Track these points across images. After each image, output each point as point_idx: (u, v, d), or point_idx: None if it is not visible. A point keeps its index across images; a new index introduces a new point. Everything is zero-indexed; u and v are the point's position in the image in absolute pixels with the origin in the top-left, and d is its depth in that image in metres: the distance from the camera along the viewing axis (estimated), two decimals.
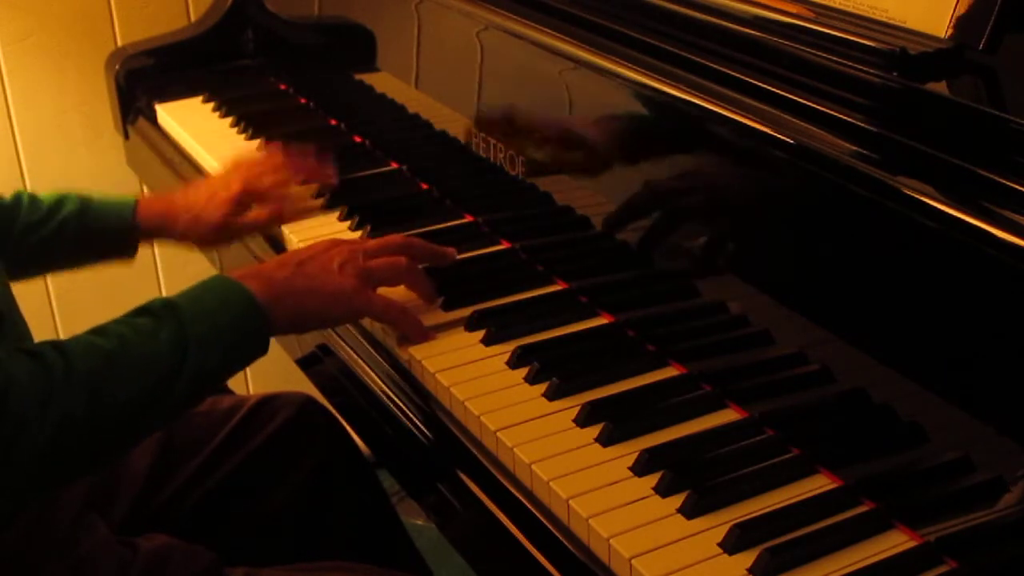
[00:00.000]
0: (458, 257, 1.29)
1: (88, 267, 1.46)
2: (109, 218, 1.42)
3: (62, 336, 2.18)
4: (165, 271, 2.27)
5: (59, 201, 1.40)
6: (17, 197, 1.39)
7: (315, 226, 1.44)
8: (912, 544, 0.90)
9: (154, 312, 1.03)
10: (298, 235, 1.42)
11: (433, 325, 1.19)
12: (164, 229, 1.45)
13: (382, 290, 1.19)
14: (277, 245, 1.47)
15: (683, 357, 1.12)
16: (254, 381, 2.35)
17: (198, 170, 1.69)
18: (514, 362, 1.13)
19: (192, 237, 1.45)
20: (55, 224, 1.38)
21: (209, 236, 1.45)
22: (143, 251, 2.11)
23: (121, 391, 0.98)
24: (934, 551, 0.88)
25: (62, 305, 2.21)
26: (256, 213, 1.45)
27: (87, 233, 1.41)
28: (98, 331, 1.01)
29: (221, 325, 1.04)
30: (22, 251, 1.37)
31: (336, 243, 1.18)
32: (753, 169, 1.06)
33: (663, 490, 0.95)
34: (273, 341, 1.11)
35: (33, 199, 1.40)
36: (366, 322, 1.24)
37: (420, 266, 1.24)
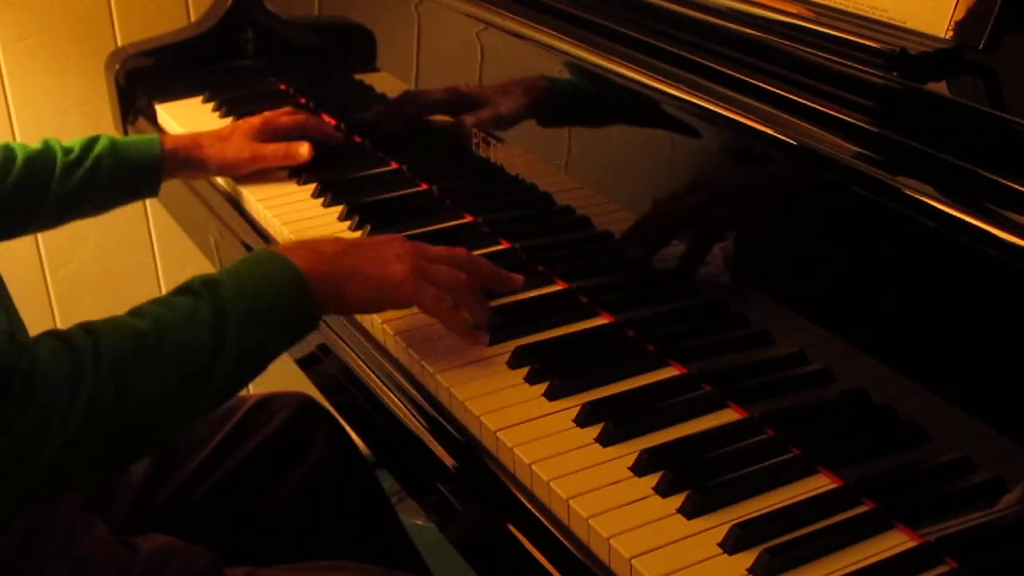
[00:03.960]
0: (522, 280, 1.23)
1: (117, 206, 1.52)
2: (140, 153, 1.48)
3: None
4: (165, 272, 2.27)
5: (89, 142, 1.46)
6: (47, 144, 1.44)
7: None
8: (912, 544, 0.90)
9: (194, 290, 1.01)
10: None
11: (433, 326, 1.20)
12: (191, 159, 1.52)
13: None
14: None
15: (683, 357, 1.12)
16: (254, 381, 2.35)
17: None
18: (514, 362, 1.13)
19: (219, 159, 1.53)
20: (90, 163, 1.44)
21: (233, 156, 1.53)
22: (143, 252, 2.11)
23: (153, 377, 0.94)
24: (934, 551, 0.88)
25: (62, 305, 2.21)
26: (276, 145, 1.55)
27: (120, 170, 1.46)
28: (135, 311, 0.99)
29: (265, 303, 1.02)
30: (63, 193, 1.42)
31: (397, 238, 1.16)
32: (753, 169, 1.06)
33: (663, 490, 0.95)
34: None
35: (62, 145, 1.45)
36: (366, 322, 1.24)
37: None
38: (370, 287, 1.10)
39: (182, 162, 1.52)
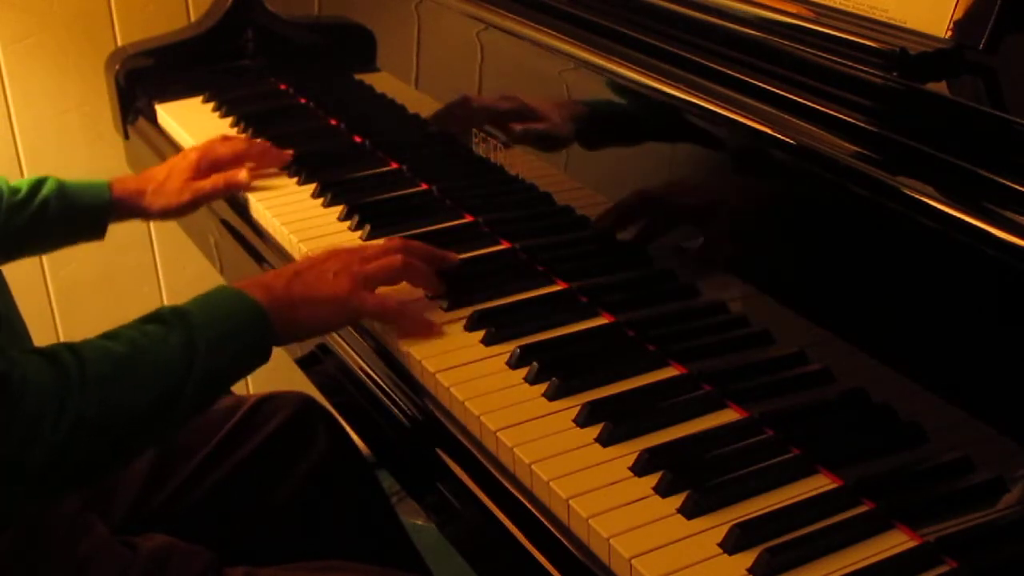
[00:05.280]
0: (458, 257, 1.28)
1: (61, 248, 1.52)
2: (87, 199, 1.48)
3: (62, 337, 2.19)
4: (165, 272, 2.27)
5: (37, 183, 1.46)
6: None
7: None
8: (912, 544, 0.90)
9: (164, 319, 1.05)
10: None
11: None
12: (136, 205, 1.52)
13: (385, 291, 1.20)
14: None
15: (683, 357, 1.12)
16: (254, 381, 2.35)
17: None
18: (514, 362, 1.13)
19: (159, 206, 1.52)
20: (36, 205, 1.44)
21: (174, 202, 1.52)
22: (143, 252, 2.11)
23: (132, 395, 0.99)
24: (934, 551, 0.88)
25: (62, 305, 2.21)
26: (215, 178, 1.53)
27: (67, 214, 1.46)
28: (110, 335, 1.03)
29: (229, 331, 1.07)
30: (6, 233, 1.42)
31: (334, 252, 1.21)
32: (753, 169, 1.06)
33: (663, 490, 0.95)
34: None
35: (10, 184, 1.44)
36: (366, 321, 1.24)
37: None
38: (319, 310, 1.15)
39: (127, 210, 1.52)
